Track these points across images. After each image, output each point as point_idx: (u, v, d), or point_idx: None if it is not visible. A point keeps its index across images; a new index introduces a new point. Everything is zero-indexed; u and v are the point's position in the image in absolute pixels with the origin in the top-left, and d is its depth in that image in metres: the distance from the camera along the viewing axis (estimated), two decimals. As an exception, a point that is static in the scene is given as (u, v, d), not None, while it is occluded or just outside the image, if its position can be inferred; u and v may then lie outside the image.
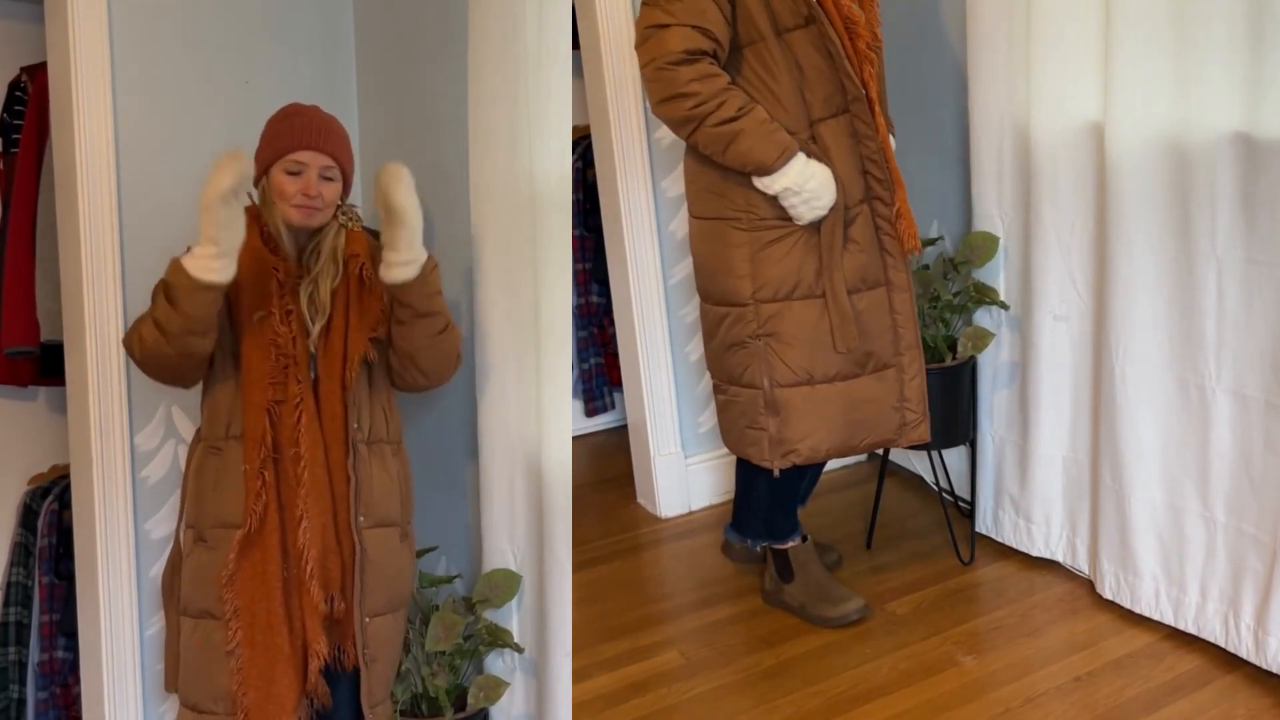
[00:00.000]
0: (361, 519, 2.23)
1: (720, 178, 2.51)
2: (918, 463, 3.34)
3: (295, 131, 2.24)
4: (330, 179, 2.25)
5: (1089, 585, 2.78)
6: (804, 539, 2.78)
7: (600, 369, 4.14)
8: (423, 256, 2.19)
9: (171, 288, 2.10)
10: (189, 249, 2.13)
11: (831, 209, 2.45)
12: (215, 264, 2.06)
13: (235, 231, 2.07)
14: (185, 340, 2.12)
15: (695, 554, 3.15)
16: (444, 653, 2.50)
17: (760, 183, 2.44)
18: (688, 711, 2.43)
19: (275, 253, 2.24)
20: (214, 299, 2.10)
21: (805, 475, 2.74)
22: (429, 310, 2.23)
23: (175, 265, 2.10)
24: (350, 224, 2.30)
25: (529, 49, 2.44)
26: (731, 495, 3.37)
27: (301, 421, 2.18)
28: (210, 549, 2.20)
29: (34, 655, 3.16)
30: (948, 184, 3.13)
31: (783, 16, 2.41)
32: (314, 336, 2.22)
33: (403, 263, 2.16)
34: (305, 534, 2.17)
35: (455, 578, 2.71)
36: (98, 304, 2.56)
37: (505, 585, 2.53)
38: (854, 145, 2.48)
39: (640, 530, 3.30)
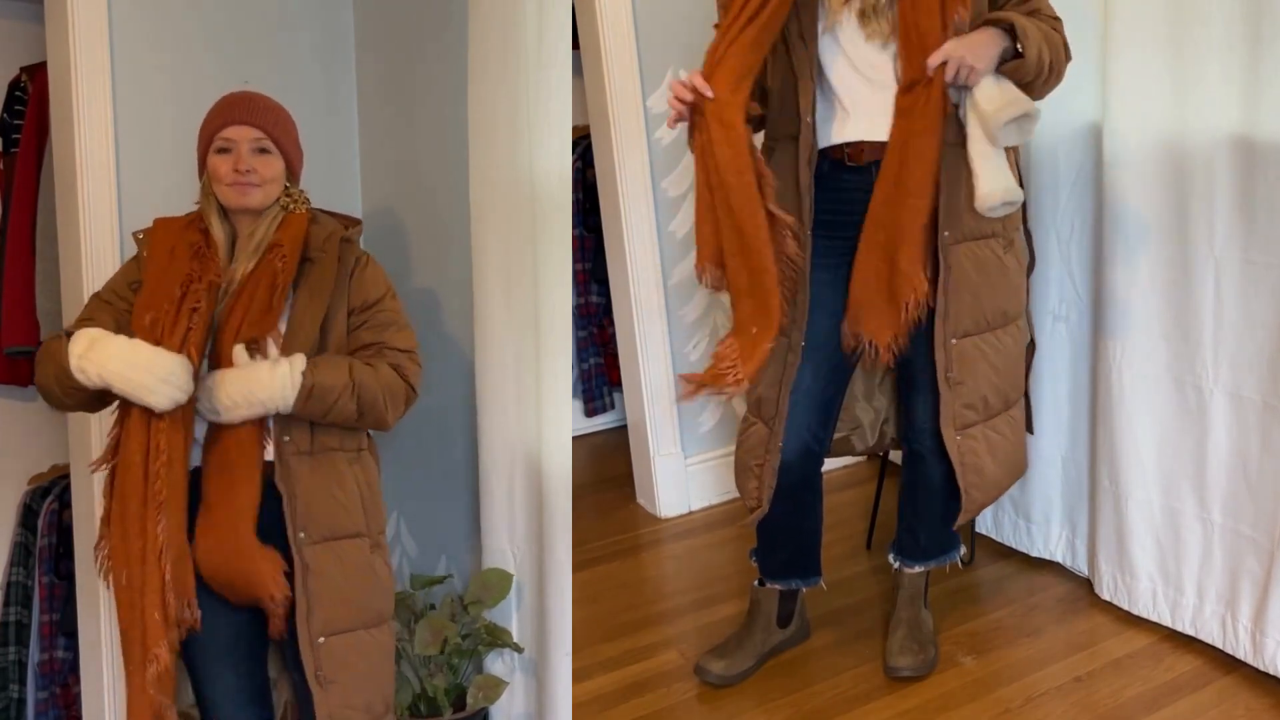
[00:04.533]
0: (302, 535, 2.09)
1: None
2: (917, 463, 3.34)
3: (220, 112, 2.18)
4: (264, 152, 2.14)
5: (1089, 585, 2.78)
6: (777, 588, 2.56)
7: (600, 369, 4.15)
8: (263, 400, 2.03)
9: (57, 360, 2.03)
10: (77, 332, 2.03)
11: None
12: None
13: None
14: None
15: (695, 554, 3.15)
16: (440, 652, 2.50)
17: None
18: (688, 711, 2.43)
19: (207, 259, 2.12)
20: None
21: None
22: (321, 420, 2.11)
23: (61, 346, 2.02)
24: (294, 207, 2.18)
25: (529, 49, 2.44)
26: (732, 495, 3.38)
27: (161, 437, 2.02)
28: None
29: (34, 655, 3.16)
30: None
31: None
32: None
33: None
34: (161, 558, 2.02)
35: (447, 578, 2.71)
36: (98, 304, 2.56)
37: (498, 585, 2.53)
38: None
39: (640, 530, 3.30)
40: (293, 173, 2.21)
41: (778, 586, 2.55)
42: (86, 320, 2.11)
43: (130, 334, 2.05)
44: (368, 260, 2.26)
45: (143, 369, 1.97)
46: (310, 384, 2.04)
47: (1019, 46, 2.11)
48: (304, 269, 2.15)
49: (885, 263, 2.21)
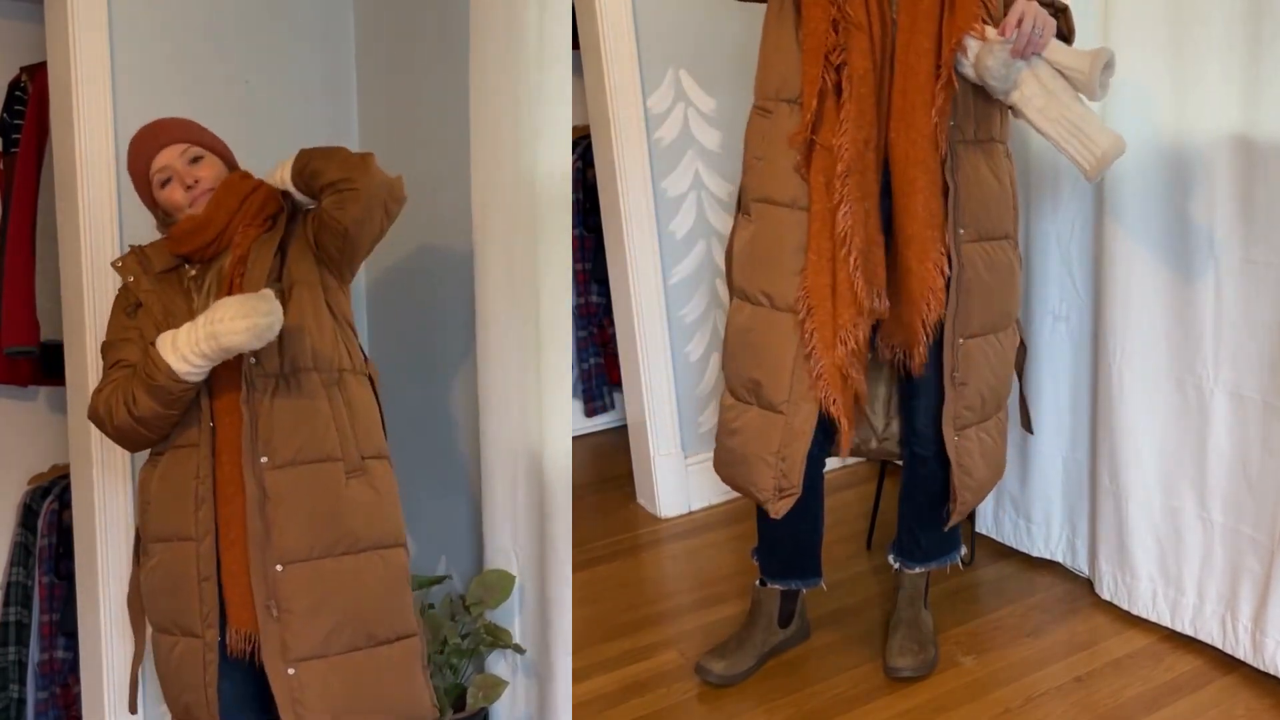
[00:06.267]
0: (264, 460, 2.05)
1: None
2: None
3: (138, 149, 2.21)
4: (198, 159, 2.19)
5: (1089, 585, 2.78)
6: (777, 588, 2.55)
7: (600, 369, 4.14)
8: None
9: (156, 387, 2.03)
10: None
11: None
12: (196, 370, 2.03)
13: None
14: (168, 418, 2.09)
15: (695, 554, 3.15)
16: (440, 653, 2.50)
17: None
18: (688, 711, 2.43)
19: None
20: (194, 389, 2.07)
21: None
22: (320, 181, 2.14)
23: (156, 364, 2.02)
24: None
25: (529, 49, 2.44)
26: (732, 495, 3.38)
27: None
28: (151, 560, 2.14)
29: (34, 655, 3.16)
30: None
31: None
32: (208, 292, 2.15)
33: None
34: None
35: (446, 578, 2.71)
36: (98, 304, 2.56)
37: (499, 586, 2.53)
38: None
39: (640, 530, 3.30)
40: (230, 163, 2.25)
41: (778, 587, 2.55)
42: (123, 362, 2.13)
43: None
44: None
45: (240, 313, 1.97)
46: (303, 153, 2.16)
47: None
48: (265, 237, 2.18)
49: (899, 265, 2.23)
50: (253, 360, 2.08)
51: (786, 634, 2.58)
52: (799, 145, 2.19)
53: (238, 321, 1.95)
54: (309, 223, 2.20)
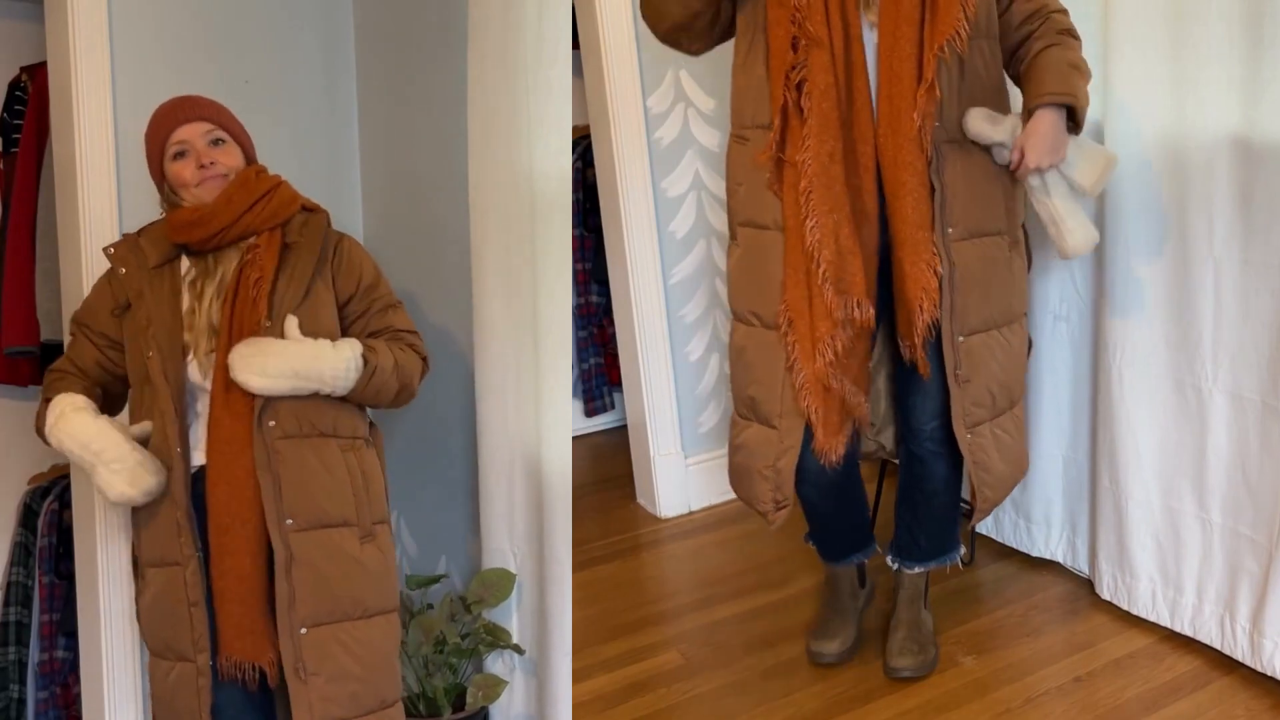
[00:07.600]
0: (289, 522, 2.07)
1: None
2: (917, 463, 3.34)
3: (162, 118, 2.17)
4: (220, 142, 2.16)
5: (1089, 586, 2.78)
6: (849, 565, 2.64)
7: (600, 369, 4.15)
8: (326, 379, 2.09)
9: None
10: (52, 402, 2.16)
11: None
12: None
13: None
14: None
15: (695, 554, 3.15)
16: (439, 652, 2.50)
17: None
18: (688, 711, 2.43)
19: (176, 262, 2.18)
20: None
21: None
22: (369, 402, 2.21)
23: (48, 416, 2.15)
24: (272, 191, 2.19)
25: (529, 49, 2.44)
26: (733, 495, 3.37)
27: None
28: (147, 586, 2.16)
29: (34, 655, 3.16)
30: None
31: None
32: (201, 326, 2.13)
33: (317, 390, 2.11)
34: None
35: (444, 577, 2.71)
36: (98, 304, 2.56)
37: (500, 585, 2.53)
38: None
39: (640, 530, 3.30)
40: (249, 157, 2.23)
41: (839, 567, 2.62)
42: (70, 361, 2.20)
43: (113, 369, 2.18)
44: (350, 242, 2.26)
45: (93, 453, 2.06)
46: (374, 367, 2.10)
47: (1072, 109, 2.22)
48: (283, 255, 2.15)
49: (896, 268, 2.24)
50: (272, 423, 2.07)
51: (865, 591, 2.70)
52: (765, 164, 2.22)
53: (125, 489, 2.06)
54: (333, 282, 2.19)
